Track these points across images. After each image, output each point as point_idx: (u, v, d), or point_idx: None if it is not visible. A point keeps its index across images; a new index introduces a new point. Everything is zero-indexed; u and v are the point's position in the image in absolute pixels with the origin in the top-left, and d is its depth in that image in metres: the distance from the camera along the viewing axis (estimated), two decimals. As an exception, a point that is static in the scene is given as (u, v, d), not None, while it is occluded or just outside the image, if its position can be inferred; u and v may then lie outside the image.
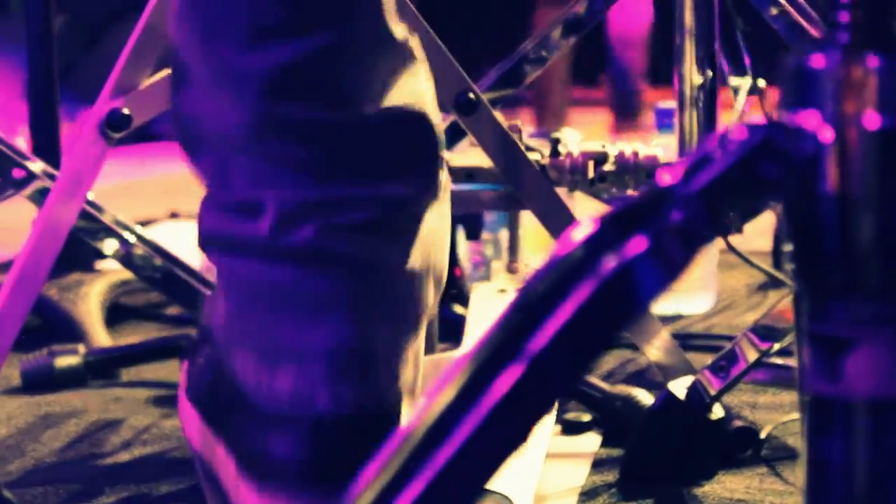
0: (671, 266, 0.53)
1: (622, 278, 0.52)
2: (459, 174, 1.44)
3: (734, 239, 1.56)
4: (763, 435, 1.35)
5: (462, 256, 1.86)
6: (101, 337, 1.81)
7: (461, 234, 1.87)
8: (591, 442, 1.39)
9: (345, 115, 1.00)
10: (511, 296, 1.41)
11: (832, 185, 0.55)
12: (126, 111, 1.25)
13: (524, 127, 1.42)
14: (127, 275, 1.96)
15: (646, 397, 1.39)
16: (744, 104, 1.90)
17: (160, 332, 1.91)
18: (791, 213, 0.55)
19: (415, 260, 1.04)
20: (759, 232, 2.08)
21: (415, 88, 1.03)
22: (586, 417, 1.41)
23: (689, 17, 1.67)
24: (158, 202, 2.87)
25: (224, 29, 0.99)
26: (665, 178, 0.54)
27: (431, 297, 1.06)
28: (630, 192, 1.43)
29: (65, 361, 1.67)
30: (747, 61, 1.83)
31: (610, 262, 0.53)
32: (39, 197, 1.49)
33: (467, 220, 1.88)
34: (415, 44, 1.04)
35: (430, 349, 1.41)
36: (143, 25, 1.24)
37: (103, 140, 1.23)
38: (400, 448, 0.56)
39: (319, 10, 0.99)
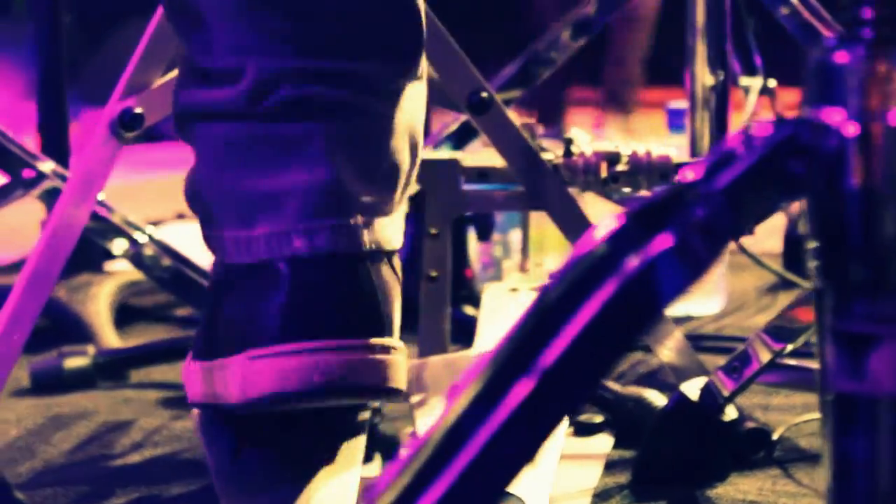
0: (696, 264, 0.52)
1: (647, 276, 0.52)
2: (472, 174, 1.43)
3: (745, 240, 1.56)
4: (775, 436, 1.35)
5: (473, 257, 1.86)
6: (111, 338, 1.80)
7: (472, 235, 1.87)
8: (603, 443, 1.39)
9: None
10: (523, 295, 1.41)
11: (857, 180, 0.54)
12: (138, 110, 1.25)
13: (536, 127, 1.42)
14: (136, 276, 1.96)
15: (658, 398, 1.38)
16: (754, 104, 1.89)
17: (168, 334, 1.91)
18: (815, 210, 0.54)
19: (390, 114, 1.05)
20: (769, 233, 2.08)
21: None
22: (598, 419, 1.41)
23: (700, 17, 1.67)
24: (165, 203, 2.86)
25: None
26: (689, 176, 0.53)
27: (407, 162, 1.08)
28: (643, 192, 1.42)
29: (74, 363, 1.66)
30: (758, 61, 1.84)
31: (634, 260, 0.52)
32: (48, 197, 1.49)
33: (479, 220, 1.87)
34: None
35: (441, 349, 1.41)
36: (155, 24, 1.24)
37: (116, 139, 1.23)
38: (419, 452, 0.56)
39: None
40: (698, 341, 1.76)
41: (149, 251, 1.56)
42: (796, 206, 2.00)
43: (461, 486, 0.55)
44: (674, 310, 1.86)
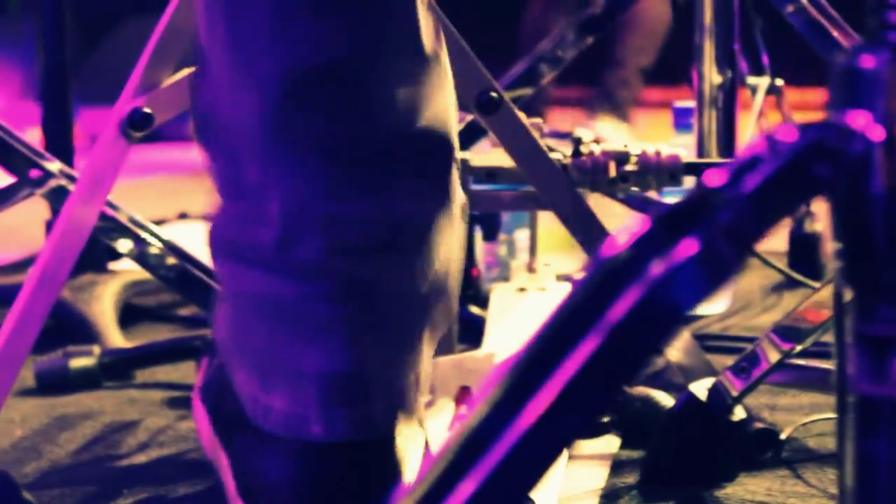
0: (722, 269, 0.52)
1: (672, 282, 0.52)
2: (480, 174, 1.43)
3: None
4: (783, 437, 1.35)
5: (479, 258, 1.86)
6: (116, 338, 1.80)
7: (478, 235, 1.87)
8: (610, 444, 1.38)
9: (364, 129, 0.97)
10: (531, 296, 1.41)
11: (882, 184, 0.54)
12: (147, 110, 1.24)
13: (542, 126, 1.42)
14: (140, 275, 1.96)
15: (665, 399, 1.38)
16: (761, 104, 1.89)
17: (172, 333, 1.91)
18: (840, 214, 0.54)
19: (423, 281, 1.01)
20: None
21: (439, 108, 1.00)
22: (605, 419, 1.41)
23: (708, 16, 1.67)
24: (167, 203, 2.86)
25: (249, 29, 0.97)
26: (713, 180, 0.53)
27: (441, 317, 1.04)
28: (651, 192, 1.42)
29: (79, 362, 1.66)
30: (765, 60, 1.84)
31: (659, 265, 0.52)
32: (54, 196, 1.48)
33: (485, 220, 1.87)
34: (443, 56, 1.01)
35: (449, 350, 1.40)
36: (165, 24, 1.24)
37: (125, 139, 1.23)
38: (443, 456, 0.55)
39: (348, 16, 0.96)
40: (703, 341, 1.75)
41: (154, 250, 1.56)
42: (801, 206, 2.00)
43: (485, 491, 0.55)
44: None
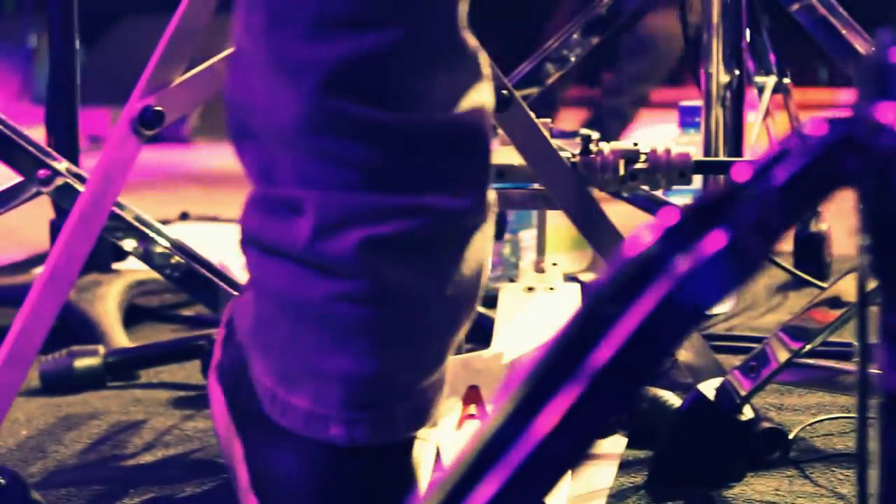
0: (749, 263, 0.52)
1: (699, 276, 0.51)
2: (489, 172, 1.43)
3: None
4: (791, 436, 1.35)
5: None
6: (120, 338, 1.80)
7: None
8: (616, 443, 1.38)
9: (404, 118, 0.96)
10: (540, 295, 1.40)
11: (912, 178, 0.54)
12: (159, 108, 1.24)
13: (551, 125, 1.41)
14: (144, 275, 1.96)
15: (672, 398, 1.38)
16: (768, 102, 1.89)
17: (175, 334, 1.90)
18: (869, 207, 0.54)
19: (453, 287, 1.00)
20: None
21: (477, 101, 0.99)
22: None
23: (716, 15, 1.67)
24: (167, 203, 2.86)
25: (289, 15, 0.95)
26: (742, 174, 0.53)
27: (463, 325, 1.03)
28: (661, 191, 1.42)
29: (84, 362, 1.66)
30: (772, 59, 1.83)
31: (686, 260, 0.52)
32: (61, 195, 1.48)
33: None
34: (483, 59, 1.00)
35: (457, 349, 1.40)
36: (177, 22, 1.23)
37: (136, 137, 1.22)
38: (464, 456, 0.55)
39: (389, 5, 0.95)
40: (709, 340, 1.75)
41: (160, 249, 1.55)
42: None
43: (506, 491, 0.55)
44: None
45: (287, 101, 0.96)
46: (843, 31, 1.50)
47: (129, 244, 1.55)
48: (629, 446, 1.36)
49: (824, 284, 1.90)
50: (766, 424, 1.32)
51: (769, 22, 1.82)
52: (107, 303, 1.86)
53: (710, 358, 1.43)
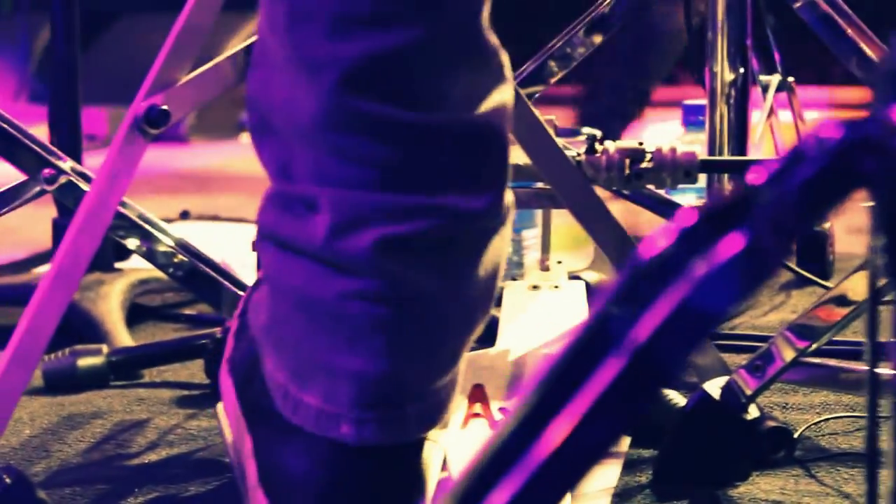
0: (767, 266, 0.52)
1: (717, 278, 0.51)
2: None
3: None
4: (796, 435, 1.34)
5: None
6: (123, 337, 1.79)
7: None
8: (622, 442, 1.38)
9: (423, 118, 0.95)
10: (544, 293, 1.40)
11: (927, 179, 0.54)
12: (164, 107, 1.24)
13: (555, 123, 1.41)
14: (146, 274, 1.95)
15: (676, 397, 1.38)
16: (772, 101, 1.89)
17: (178, 333, 1.90)
18: (884, 208, 0.54)
19: (467, 288, 1.00)
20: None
21: (498, 101, 0.99)
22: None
23: (720, 13, 1.67)
24: (167, 203, 2.86)
25: (310, 12, 0.95)
26: (758, 176, 0.53)
27: (477, 326, 1.03)
28: (666, 190, 1.42)
29: (87, 362, 1.66)
30: (777, 58, 1.83)
31: (704, 262, 0.52)
32: (65, 194, 1.48)
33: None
34: (505, 61, 1.00)
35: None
36: (183, 21, 1.23)
37: (141, 136, 1.22)
38: (487, 449, 0.55)
39: (411, 3, 0.94)
40: (711, 339, 1.75)
41: (163, 247, 1.55)
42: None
43: (520, 499, 0.54)
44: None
45: (306, 98, 0.96)
46: (848, 29, 1.50)
47: (132, 243, 1.55)
48: (634, 445, 1.36)
49: (827, 283, 1.90)
50: (772, 423, 1.32)
51: (773, 20, 1.82)
52: (110, 302, 1.86)
53: (715, 357, 1.43)
